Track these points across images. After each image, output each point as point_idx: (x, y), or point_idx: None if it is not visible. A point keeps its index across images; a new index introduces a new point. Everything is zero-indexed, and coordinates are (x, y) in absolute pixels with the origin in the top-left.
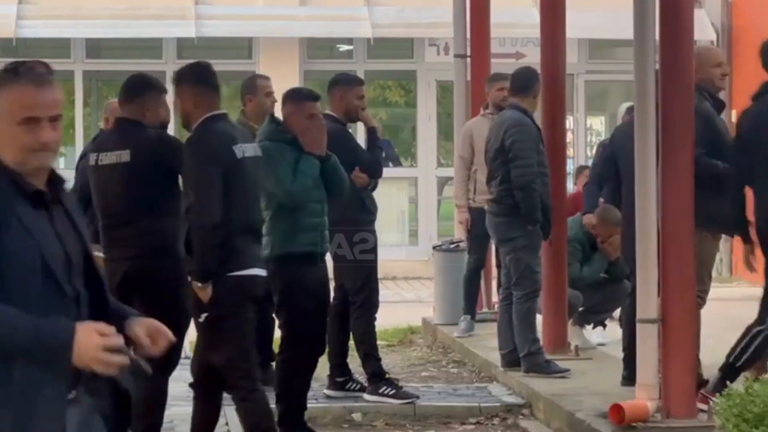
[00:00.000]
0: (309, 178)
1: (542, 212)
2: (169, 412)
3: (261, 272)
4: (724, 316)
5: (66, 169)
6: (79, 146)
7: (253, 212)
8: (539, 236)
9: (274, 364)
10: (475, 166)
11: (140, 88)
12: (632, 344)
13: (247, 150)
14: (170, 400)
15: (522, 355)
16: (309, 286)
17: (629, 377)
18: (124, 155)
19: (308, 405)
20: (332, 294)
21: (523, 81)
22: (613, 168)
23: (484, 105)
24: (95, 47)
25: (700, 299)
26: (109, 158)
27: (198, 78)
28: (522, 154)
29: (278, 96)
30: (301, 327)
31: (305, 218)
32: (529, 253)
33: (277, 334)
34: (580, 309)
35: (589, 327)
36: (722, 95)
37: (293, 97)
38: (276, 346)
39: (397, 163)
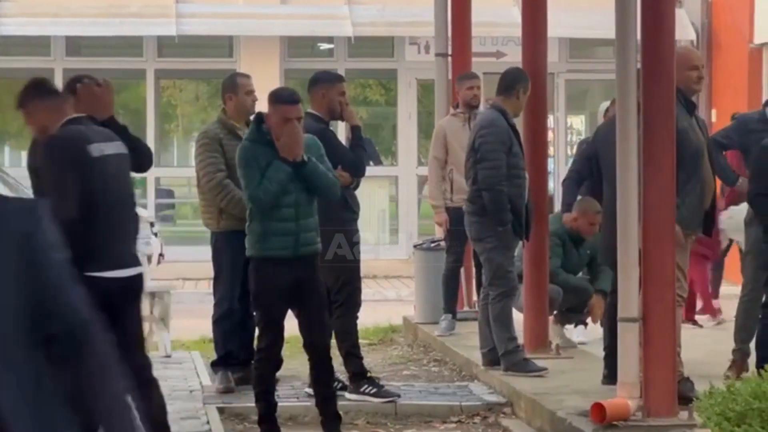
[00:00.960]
0: (274, 183)
1: (514, 213)
2: None
3: (121, 274)
4: (703, 316)
5: None
6: None
7: (117, 210)
8: (511, 236)
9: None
10: (450, 166)
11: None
12: (613, 343)
13: (106, 148)
14: None
15: (500, 354)
16: (281, 287)
17: (610, 376)
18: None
19: (289, 403)
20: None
21: (507, 81)
22: (594, 166)
23: (454, 104)
24: (75, 45)
25: (680, 298)
26: None
27: (45, 92)
28: (489, 155)
29: (258, 95)
30: (272, 327)
31: (275, 222)
32: (500, 254)
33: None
34: (563, 309)
35: (570, 326)
36: (701, 95)
37: (271, 98)
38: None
39: (378, 162)
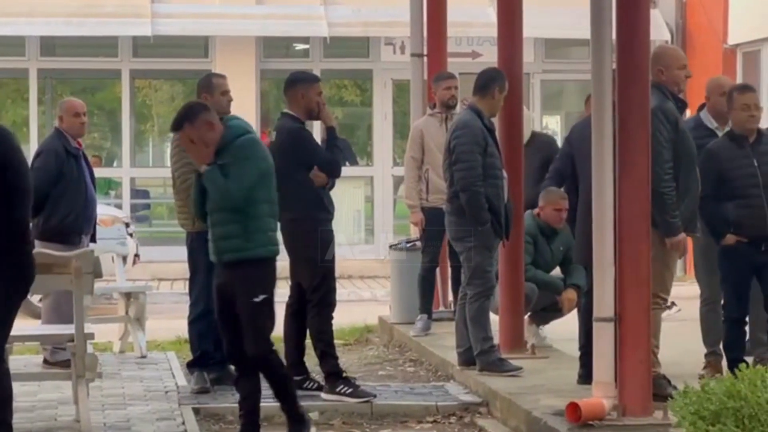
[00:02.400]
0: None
1: (492, 213)
2: (125, 412)
3: None
4: (679, 315)
5: None
6: (34, 144)
7: None
8: (491, 236)
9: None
10: (427, 166)
11: None
12: (588, 343)
13: None
14: (127, 399)
15: (475, 353)
16: (216, 291)
17: (585, 375)
18: None
19: (265, 404)
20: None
21: (482, 81)
22: (569, 165)
23: (430, 105)
24: (50, 45)
25: (662, 300)
26: None
27: None
28: (464, 157)
29: (234, 95)
30: (220, 328)
31: None
32: (479, 253)
33: None
34: (537, 309)
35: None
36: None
37: None
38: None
39: (354, 162)
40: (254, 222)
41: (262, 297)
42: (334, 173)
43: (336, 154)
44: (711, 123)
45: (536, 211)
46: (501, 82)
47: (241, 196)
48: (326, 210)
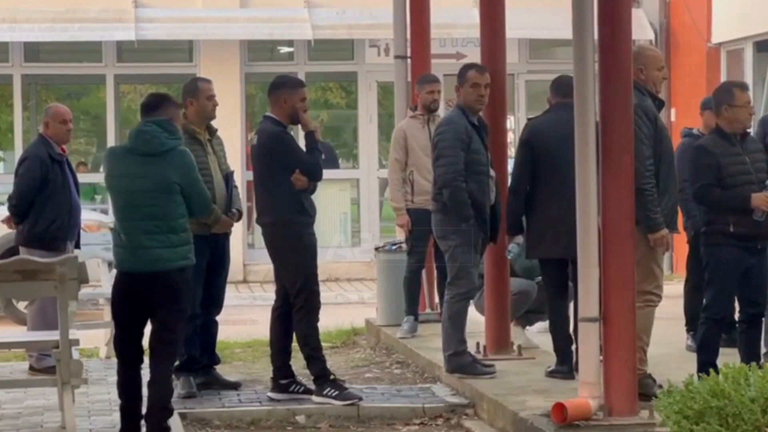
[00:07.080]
0: None
1: (476, 209)
2: (111, 418)
3: None
4: (665, 313)
5: (5, 173)
6: (19, 150)
7: None
8: (476, 234)
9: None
10: (411, 167)
11: None
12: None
13: None
14: (113, 405)
15: (448, 353)
16: None
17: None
18: None
19: (252, 407)
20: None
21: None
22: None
23: (412, 107)
24: (34, 51)
25: (657, 297)
26: None
27: None
28: (445, 152)
29: (218, 99)
30: None
31: None
32: (463, 252)
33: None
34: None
35: (530, 327)
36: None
37: None
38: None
39: (335, 166)
40: None
41: None
42: (315, 176)
43: (316, 157)
44: None
45: None
46: (459, 78)
47: None
48: (307, 213)
